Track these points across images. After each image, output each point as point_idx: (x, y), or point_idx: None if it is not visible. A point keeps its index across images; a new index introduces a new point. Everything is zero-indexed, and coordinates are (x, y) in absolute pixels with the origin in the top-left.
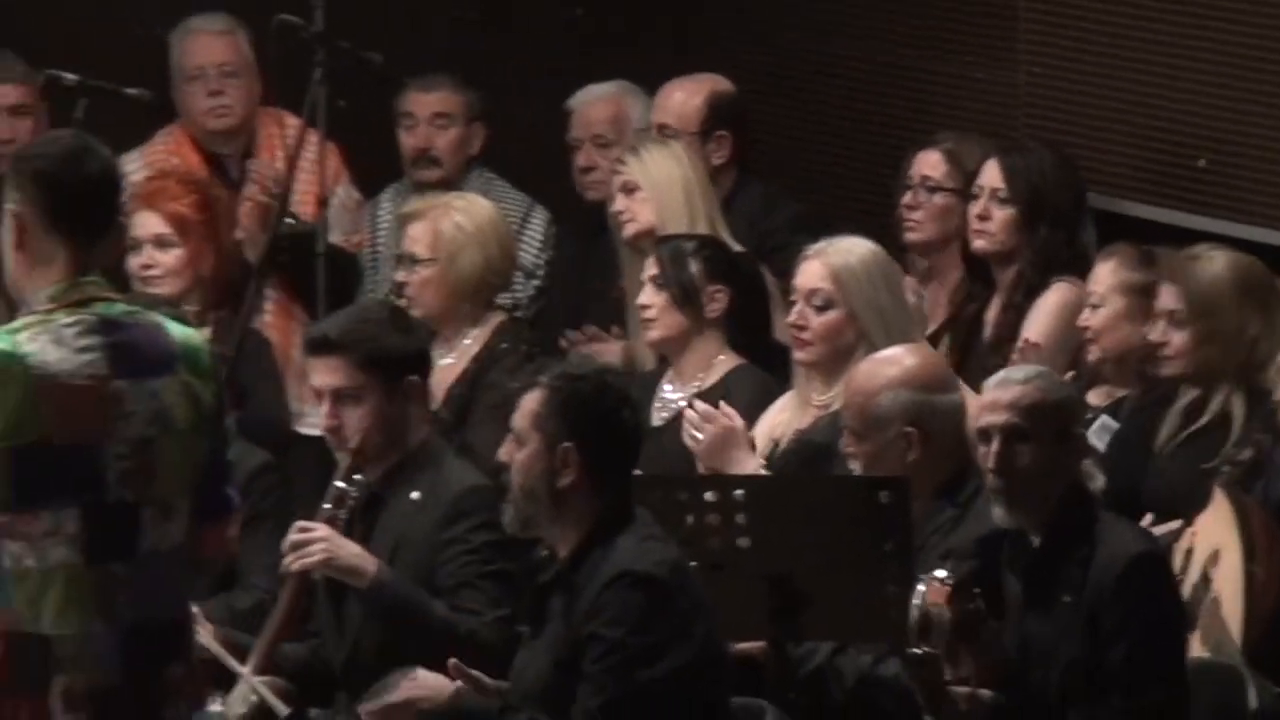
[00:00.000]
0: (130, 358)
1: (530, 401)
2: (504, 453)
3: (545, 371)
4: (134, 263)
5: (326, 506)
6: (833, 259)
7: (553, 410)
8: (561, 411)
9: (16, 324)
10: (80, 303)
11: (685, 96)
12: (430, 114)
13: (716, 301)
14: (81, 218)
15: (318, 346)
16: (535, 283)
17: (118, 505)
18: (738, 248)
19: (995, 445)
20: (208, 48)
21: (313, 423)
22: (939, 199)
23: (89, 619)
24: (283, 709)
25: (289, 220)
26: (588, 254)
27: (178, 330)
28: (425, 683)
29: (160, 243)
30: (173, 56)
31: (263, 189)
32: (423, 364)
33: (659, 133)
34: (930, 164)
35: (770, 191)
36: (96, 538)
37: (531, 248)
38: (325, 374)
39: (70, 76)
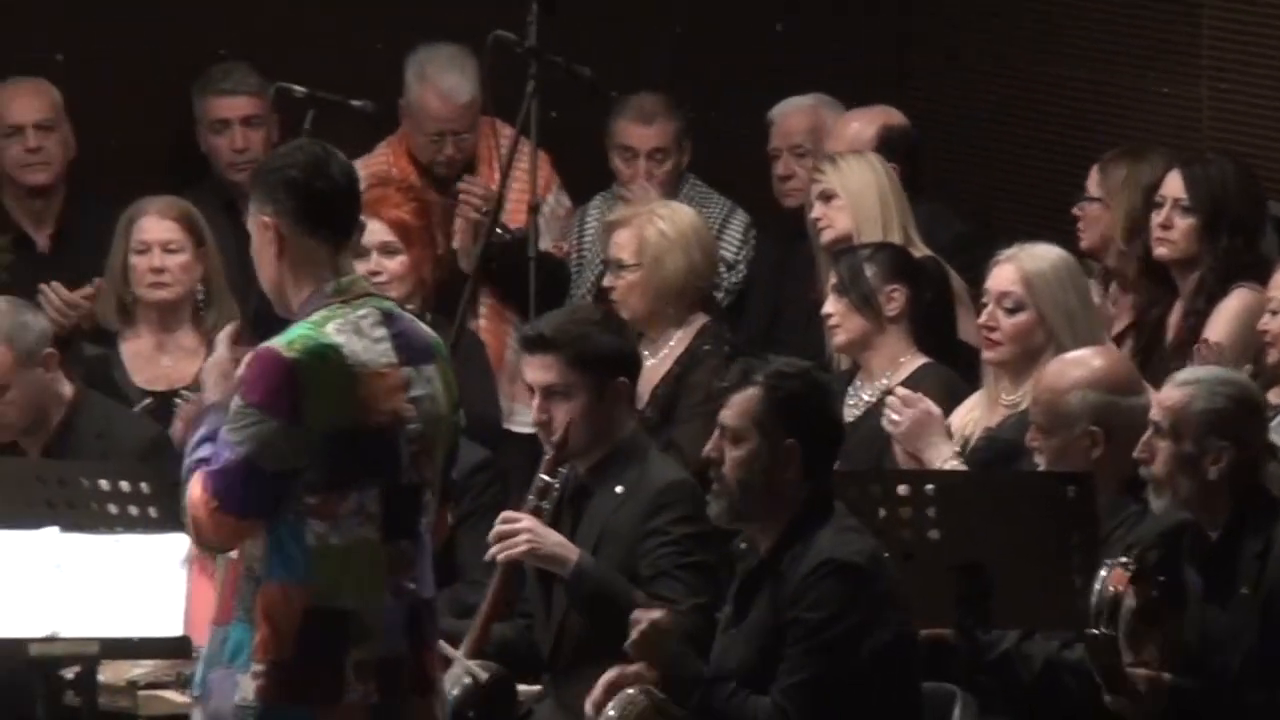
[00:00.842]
0: (410, 347)
1: (747, 400)
2: (711, 448)
3: (755, 370)
4: (360, 269)
5: (531, 498)
6: (1024, 263)
7: (772, 408)
8: (781, 409)
9: (317, 317)
10: (356, 297)
11: (860, 127)
12: (650, 149)
13: (894, 301)
14: (333, 220)
15: (532, 344)
16: (736, 275)
17: (408, 486)
18: (925, 252)
19: (1149, 438)
20: (442, 113)
21: (523, 421)
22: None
23: (382, 593)
24: (482, 675)
25: (499, 231)
26: (785, 259)
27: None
28: (661, 626)
29: (386, 249)
30: (409, 93)
31: (472, 205)
32: (631, 365)
33: None
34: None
35: (935, 209)
36: (391, 517)
37: (731, 245)
38: (538, 371)
39: (299, 89)
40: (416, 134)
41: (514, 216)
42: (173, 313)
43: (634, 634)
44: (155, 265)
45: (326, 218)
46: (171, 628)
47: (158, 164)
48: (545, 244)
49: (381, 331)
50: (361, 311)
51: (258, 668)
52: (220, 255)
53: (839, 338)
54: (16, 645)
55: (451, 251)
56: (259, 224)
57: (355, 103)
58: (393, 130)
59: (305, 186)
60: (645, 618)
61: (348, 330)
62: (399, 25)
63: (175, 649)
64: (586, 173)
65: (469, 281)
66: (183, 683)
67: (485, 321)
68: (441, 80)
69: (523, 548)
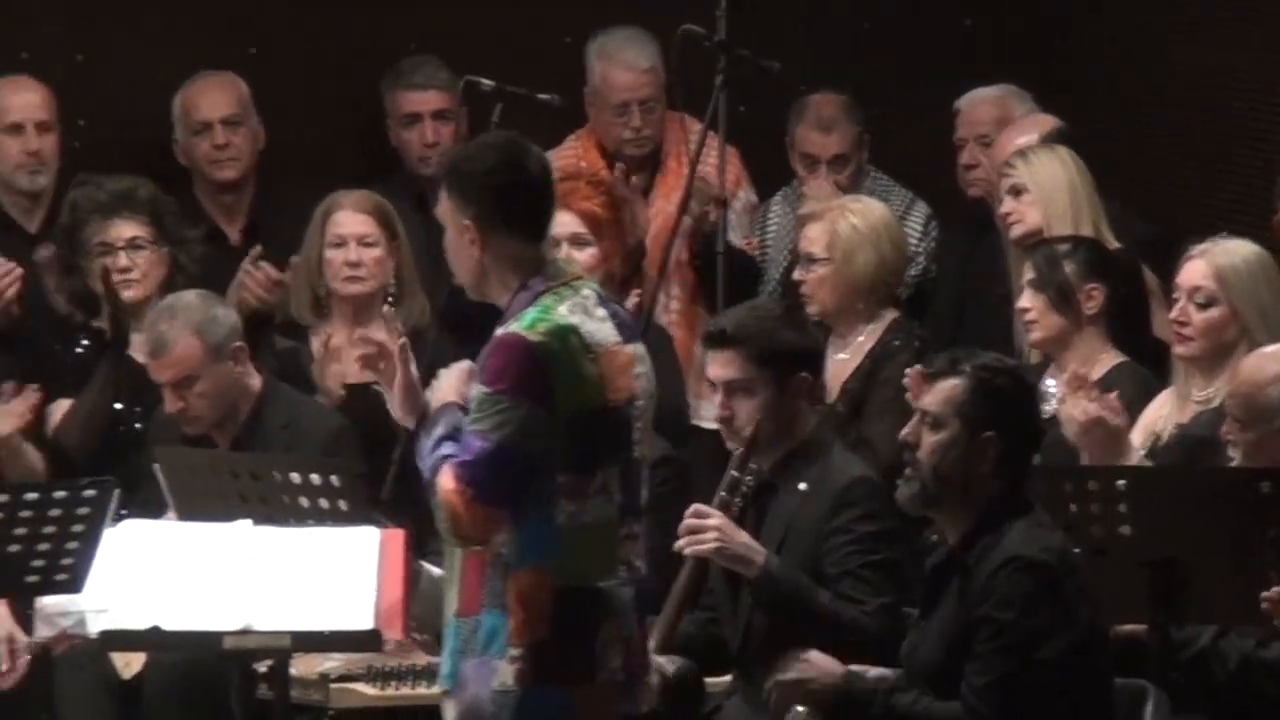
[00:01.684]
0: (625, 325)
1: (952, 388)
2: (908, 432)
3: (962, 361)
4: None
5: (722, 494)
6: (1217, 258)
7: (977, 399)
8: (985, 401)
9: (546, 301)
10: (572, 279)
11: (1017, 135)
12: (830, 156)
13: (1093, 299)
14: (531, 218)
15: (715, 340)
16: (915, 268)
17: (637, 463)
18: (1115, 245)
19: None
20: (634, 85)
21: (707, 416)
22: None
23: (620, 570)
24: (669, 669)
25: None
26: (971, 251)
27: None
28: (817, 663)
29: (577, 241)
30: (597, 75)
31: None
32: (813, 361)
33: None
34: None
35: (1120, 206)
36: (627, 494)
37: (911, 237)
38: (720, 366)
39: (488, 82)
40: (603, 115)
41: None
42: (366, 306)
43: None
44: (351, 259)
45: (525, 217)
46: (362, 621)
47: (348, 158)
48: (735, 239)
49: (603, 311)
50: (584, 292)
51: (514, 652)
52: (412, 249)
53: (1035, 334)
54: (211, 638)
55: (641, 245)
56: (457, 226)
57: (543, 96)
58: (580, 124)
59: (503, 190)
60: (787, 678)
61: (579, 311)
62: (587, 18)
63: (366, 642)
64: (773, 167)
65: (658, 276)
66: (373, 675)
67: (676, 316)
68: (621, 52)
69: (711, 545)
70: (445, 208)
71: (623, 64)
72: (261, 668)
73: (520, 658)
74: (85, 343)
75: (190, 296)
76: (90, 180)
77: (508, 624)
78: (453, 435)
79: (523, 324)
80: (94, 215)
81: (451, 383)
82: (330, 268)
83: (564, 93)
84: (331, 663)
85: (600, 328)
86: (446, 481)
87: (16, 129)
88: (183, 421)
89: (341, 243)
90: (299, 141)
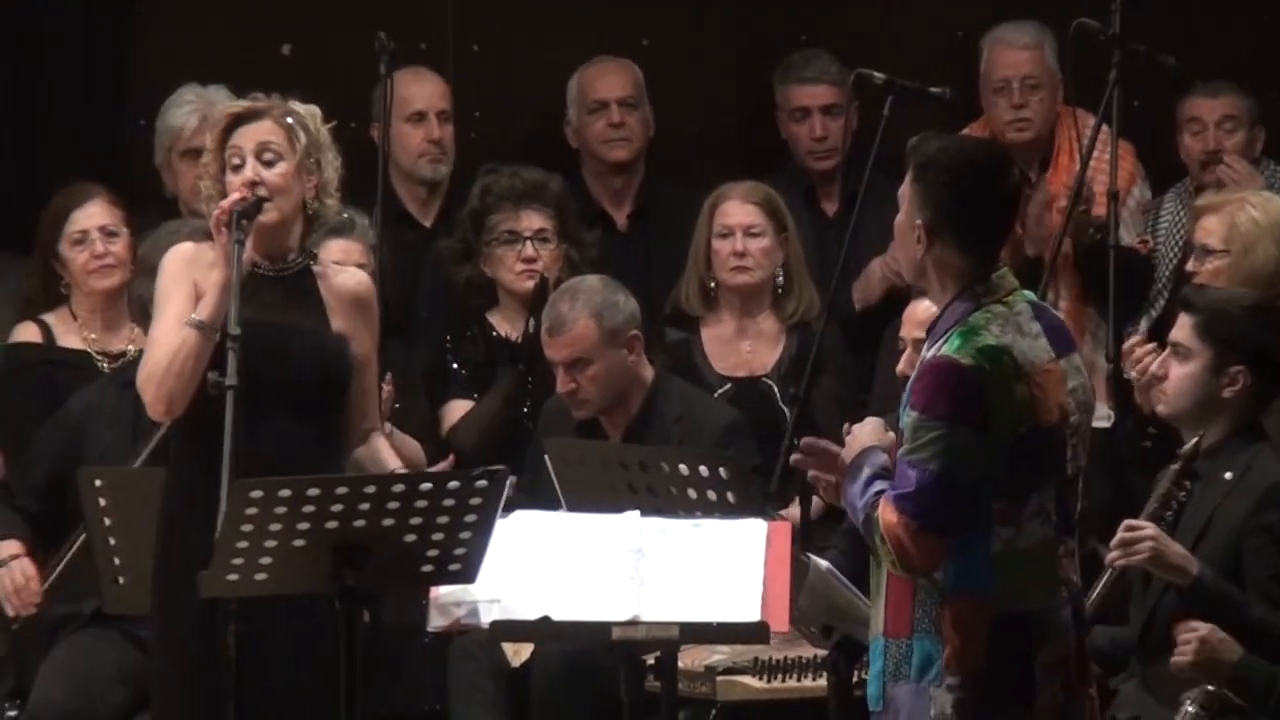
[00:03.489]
0: (1060, 338)
1: None
2: None
3: None
4: None
5: (1154, 506)
6: None
7: None
8: None
9: (975, 320)
10: (1007, 294)
11: None
12: (1218, 118)
13: None
14: (987, 233)
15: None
16: None
17: (1071, 480)
18: None
19: None
20: (1015, 62)
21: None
22: None
23: (1057, 591)
24: None
25: (1091, 230)
26: None
27: None
28: (1211, 639)
29: None
30: (983, 61)
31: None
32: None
33: None
34: None
35: None
36: (1062, 513)
37: None
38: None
39: (879, 76)
40: (988, 99)
41: (1095, 209)
42: (754, 298)
43: (1187, 654)
44: (737, 249)
45: (979, 236)
46: (749, 612)
47: (737, 149)
48: (1126, 237)
49: (1037, 327)
50: (1018, 308)
51: (951, 680)
52: (800, 241)
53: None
54: (599, 629)
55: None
56: (909, 217)
57: (934, 90)
58: (972, 119)
59: (966, 209)
60: (1193, 635)
61: (1010, 330)
62: (982, 13)
63: (753, 634)
64: (1166, 164)
65: (1046, 271)
66: (759, 669)
67: (1063, 316)
68: (1006, 34)
69: (1145, 555)
70: (906, 191)
71: (1005, 42)
72: (649, 660)
73: (959, 686)
74: (475, 342)
75: (593, 280)
76: (502, 169)
77: (943, 651)
78: (880, 475)
79: (952, 347)
80: (504, 203)
81: (868, 430)
82: (717, 258)
83: (957, 88)
84: (717, 655)
85: (1033, 346)
86: (889, 515)
87: (419, 118)
88: (570, 404)
89: (729, 233)
90: (689, 133)
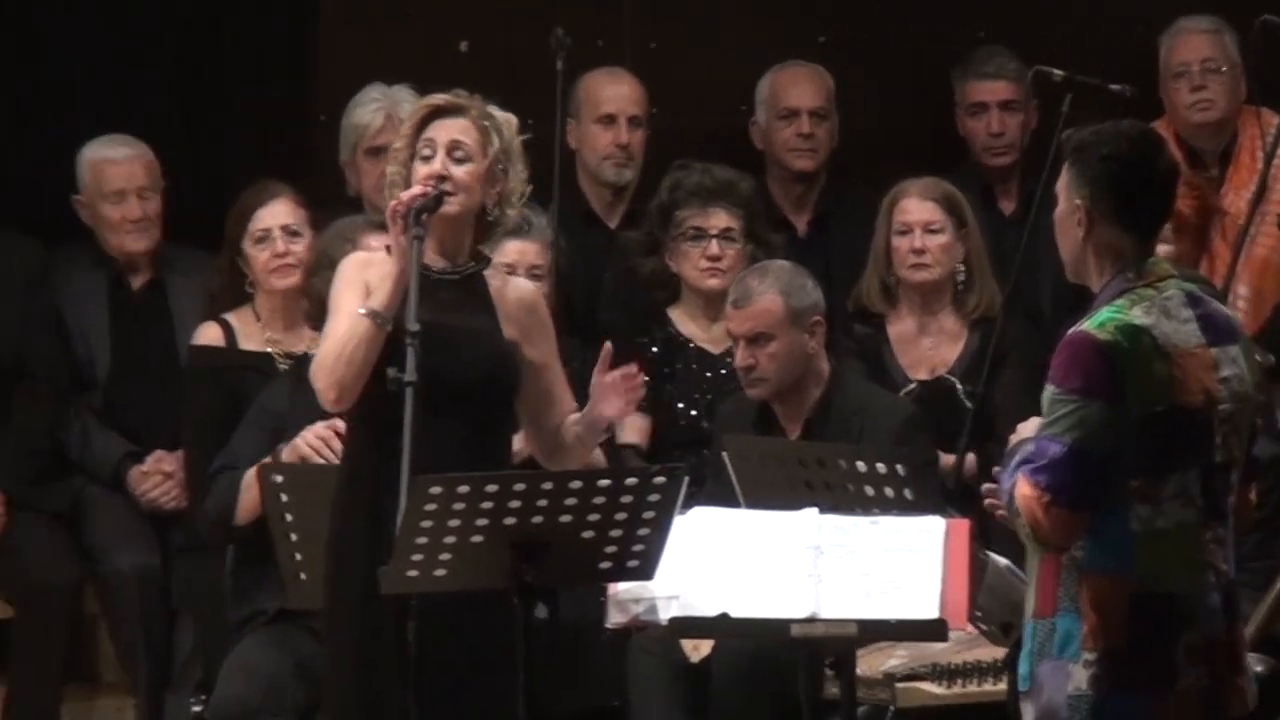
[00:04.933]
0: (1215, 327)
1: None
2: None
3: None
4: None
5: None
6: None
7: None
8: None
9: (1121, 302)
10: (1158, 280)
11: None
12: None
13: None
14: (1144, 218)
15: None
16: None
17: (1221, 466)
18: None
19: None
20: (1195, 46)
21: None
22: None
23: (1203, 576)
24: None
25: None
26: None
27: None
28: None
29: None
30: (1161, 54)
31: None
32: None
33: None
34: None
35: None
36: (1209, 498)
37: None
38: None
39: (1058, 72)
40: (1167, 89)
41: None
42: (934, 294)
43: None
44: (916, 246)
45: (1138, 211)
46: (928, 610)
47: (917, 147)
48: None
49: (1188, 313)
50: (1168, 293)
51: (1089, 656)
52: (981, 237)
53: None
54: (778, 626)
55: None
56: (1069, 202)
57: (1114, 87)
58: (1152, 117)
59: (1123, 178)
60: None
61: (1155, 312)
62: (1162, 8)
63: (932, 631)
64: None
65: (1228, 271)
66: (938, 674)
67: (1243, 316)
68: (1186, 23)
69: None
70: (1063, 181)
71: (1185, 30)
72: (827, 663)
73: (1095, 663)
74: (654, 349)
75: (784, 262)
76: (694, 165)
77: (1081, 628)
78: (1028, 460)
79: (1092, 323)
80: (693, 199)
81: (1031, 428)
82: (897, 255)
83: (1137, 84)
84: (894, 660)
85: (1178, 330)
86: (1024, 488)
87: (609, 120)
88: (745, 381)
89: (907, 230)
90: (870, 130)
